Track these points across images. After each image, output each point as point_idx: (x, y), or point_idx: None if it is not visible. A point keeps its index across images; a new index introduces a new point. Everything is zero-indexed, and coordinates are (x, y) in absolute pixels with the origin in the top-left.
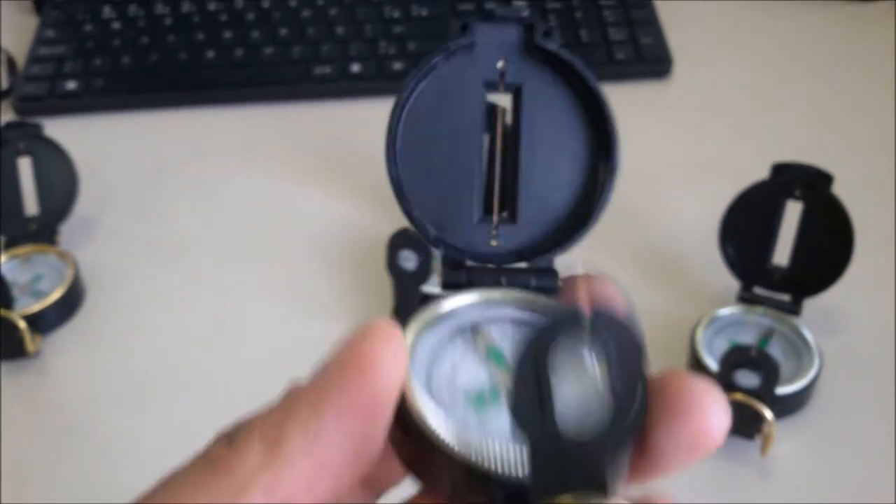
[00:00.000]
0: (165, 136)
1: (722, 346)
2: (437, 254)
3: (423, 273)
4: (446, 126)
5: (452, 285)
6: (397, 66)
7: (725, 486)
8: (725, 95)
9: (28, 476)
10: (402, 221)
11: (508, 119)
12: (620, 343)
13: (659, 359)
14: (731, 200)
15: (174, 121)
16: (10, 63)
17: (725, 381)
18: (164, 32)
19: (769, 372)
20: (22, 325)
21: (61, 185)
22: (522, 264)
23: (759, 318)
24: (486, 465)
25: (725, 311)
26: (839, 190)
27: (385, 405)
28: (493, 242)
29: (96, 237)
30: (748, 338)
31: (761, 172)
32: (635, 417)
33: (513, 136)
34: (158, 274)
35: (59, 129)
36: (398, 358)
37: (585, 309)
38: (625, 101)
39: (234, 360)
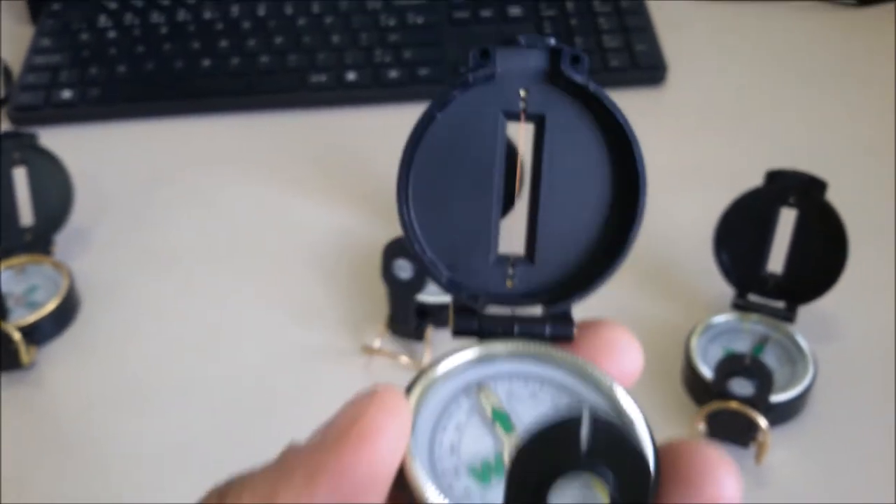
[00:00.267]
0: (161, 145)
1: (717, 353)
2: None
3: (418, 282)
4: (462, 160)
5: (463, 332)
6: (393, 74)
7: None
8: (720, 102)
9: (25, 487)
10: (397, 230)
11: (527, 152)
12: (624, 469)
13: (653, 367)
14: (725, 208)
15: (170, 130)
16: (6, 72)
17: (720, 389)
18: (160, 41)
19: (763, 380)
20: (17, 336)
21: (56, 196)
22: (538, 309)
23: (754, 326)
24: None
25: (720, 319)
26: (835, 196)
27: (382, 479)
28: (509, 283)
29: (91, 247)
30: (743, 345)
31: (756, 179)
32: None
33: (533, 170)
34: (153, 283)
35: (54, 138)
36: (400, 431)
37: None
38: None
39: (230, 369)
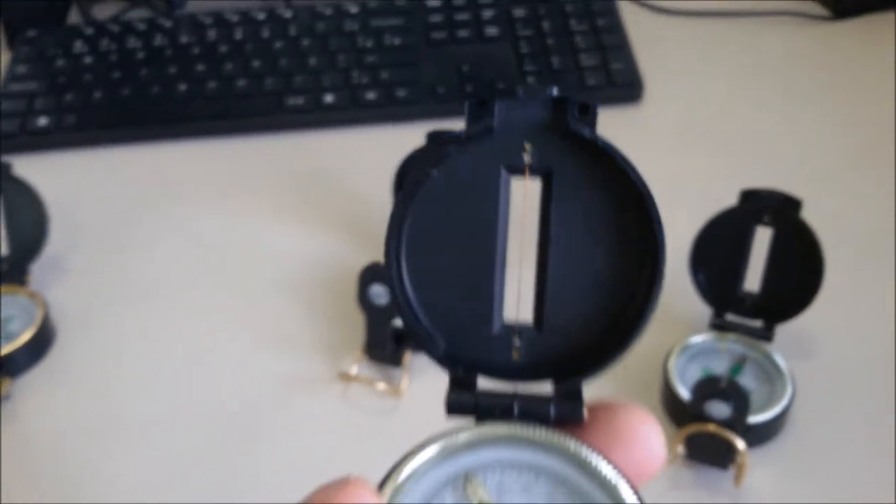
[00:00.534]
0: (137, 172)
1: (695, 373)
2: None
3: (394, 308)
4: (462, 219)
5: (457, 411)
6: (370, 95)
7: None
8: (696, 119)
9: None
10: (374, 254)
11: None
12: None
13: (632, 388)
14: (700, 227)
15: (146, 156)
16: None
17: (697, 411)
18: (136, 66)
19: (740, 402)
20: None
21: (31, 225)
22: (544, 385)
23: (732, 345)
24: None
25: (698, 339)
26: (811, 212)
27: None
28: (515, 355)
29: (67, 277)
30: (721, 365)
31: (733, 196)
32: None
33: (541, 229)
34: (129, 313)
35: (29, 166)
36: None
37: None
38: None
39: (207, 399)
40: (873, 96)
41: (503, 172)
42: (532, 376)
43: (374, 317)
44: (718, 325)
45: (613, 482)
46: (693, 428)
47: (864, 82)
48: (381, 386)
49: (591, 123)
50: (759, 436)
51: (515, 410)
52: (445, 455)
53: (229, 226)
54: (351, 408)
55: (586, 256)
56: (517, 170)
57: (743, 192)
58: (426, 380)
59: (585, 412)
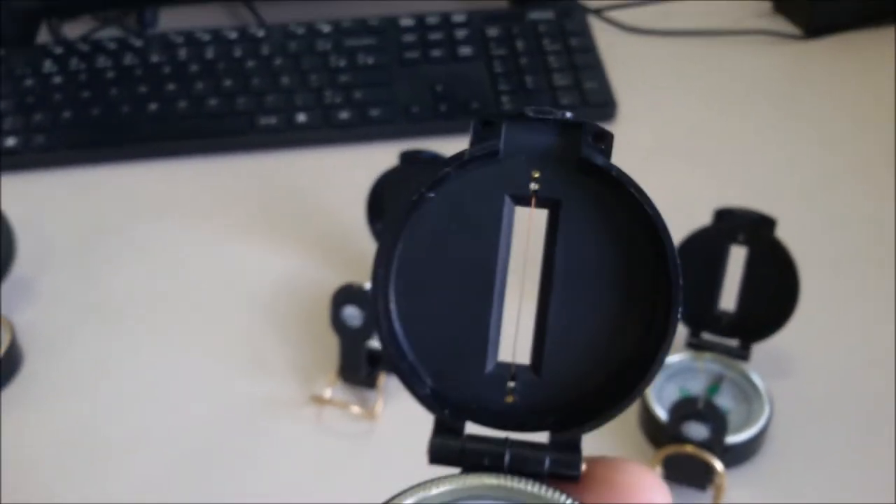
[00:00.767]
0: (107, 193)
1: (672, 393)
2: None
3: (368, 329)
4: (458, 250)
5: (440, 460)
6: (344, 115)
7: None
8: (670, 137)
9: None
10: (348, 275)
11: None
12: None
13: None
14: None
15: (116, 176)
16: None
17: (674, 433)
18: (106, 86)
19: (717, 423)
20: None
21: None
22: (538, 433)
23: (709, 365)
24: None
25: (674, 359)
26: (785, 231)
27: None
28: (509, 398)
29: (35, 299)
30: (698, 385)
31: (708, 216)
32: None
33: (544, 264)
34: (99, 336)
35: None
36: None
37: None
38: None
39: (178, 423)
40: (847, 115)
41: (507, 201)
42: (526, 424)
43: (348, 339)
44: (695, 345)
45: None
46: (671, 449)
47: (837, 101)
48: (356, 409)
49: (607, 152)
50: (737, 456)
51: (506, 461)
52: None
53: (201, 246)
54: (325, 431)
55: (593, 296)
56: (522, 199)
57: (717, 211)
58: (401, 402)
59: (583, 466)
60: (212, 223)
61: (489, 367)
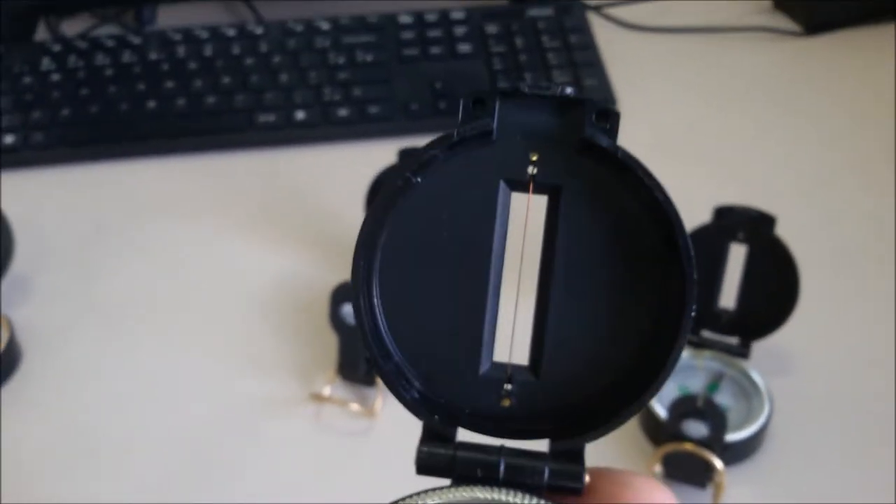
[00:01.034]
0: (106, 190)
1: (671, 391)
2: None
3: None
4: (449, 240)
5: (429, 471)
6: (342, 112)
7: None
8: (670, 135)
9: None
10: (347, 272)
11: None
12: None
13: None
14: None
15: (115, 174)
16: None
17: (674, 431)
18: (105, 83)
19: (717, 421)
20: None
21: None
22: (536, 440)
23: (709, 363)
24: None
25: None
26: (785, 229)
27: None
28: (505, 402)
29: (33, 296)
30: (698, 383)
31: (707, 214)
32: None
33: (544, 255)
34: (97, 333)
35: None
36: None
37: None
38: None
39: (176, 421)
40: (846, 111)
41: (502, 186)
42: (523, 430)
43: (347, 336)
44: (695, 343)
45: None
46: (670, 447)
47: (837, 98)
48: (355, 407)
49: (612, 132)
50: (737, 454)
51: (501, 472)
52: None
53: (199, 244)
54: (324, 429)
55: (596, 291)
56: (519, 184)
57: (717, 209)
58: None
59: (586, 479)
60: (210, 220)
61: (483, 367)
